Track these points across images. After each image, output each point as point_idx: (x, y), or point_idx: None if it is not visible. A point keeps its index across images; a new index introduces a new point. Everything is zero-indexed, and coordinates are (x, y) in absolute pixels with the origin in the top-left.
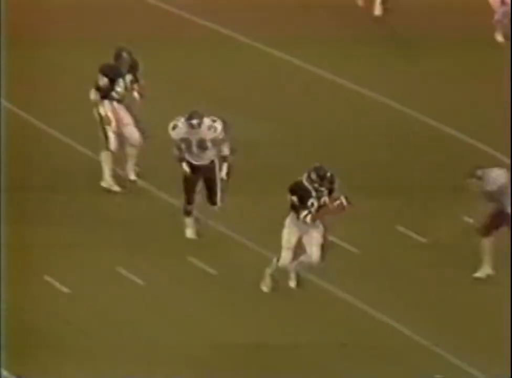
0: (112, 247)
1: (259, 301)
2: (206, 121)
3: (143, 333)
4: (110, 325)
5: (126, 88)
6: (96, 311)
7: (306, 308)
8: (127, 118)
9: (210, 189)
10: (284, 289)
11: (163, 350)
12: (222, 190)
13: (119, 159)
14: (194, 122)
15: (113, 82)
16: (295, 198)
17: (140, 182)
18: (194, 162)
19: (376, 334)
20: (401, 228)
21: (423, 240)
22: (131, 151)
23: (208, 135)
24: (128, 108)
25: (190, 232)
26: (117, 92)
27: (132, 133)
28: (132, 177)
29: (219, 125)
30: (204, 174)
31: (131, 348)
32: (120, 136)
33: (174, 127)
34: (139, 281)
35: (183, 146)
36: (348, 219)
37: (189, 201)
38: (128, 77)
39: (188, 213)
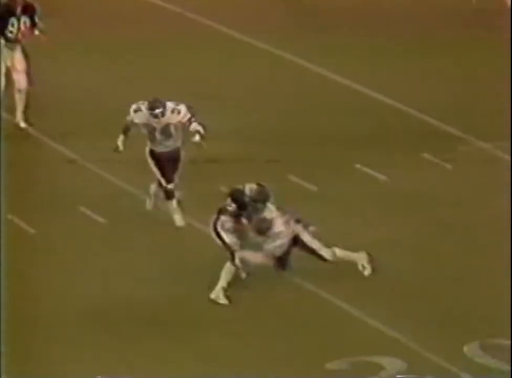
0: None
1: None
2: (169, 105)
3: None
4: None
5: (19, 29)
6: None
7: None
8: (20, 62)
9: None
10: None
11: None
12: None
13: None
14: (157, 111)
15: (4, 21)
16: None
17: (32, 130)
18: (157, 150)
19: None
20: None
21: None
22: (19, 97)
23: (172, 119)
24: (25, 53)
25: (178, 220)
26: (10, 32)
27: (20, 78)
28: (22, 124)
29: (182, 108)
30: (169, 159)
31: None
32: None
33: (136, 110)
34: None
35: (144, 131)
36: None
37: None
38: (24, 18)
39: (169, 194)
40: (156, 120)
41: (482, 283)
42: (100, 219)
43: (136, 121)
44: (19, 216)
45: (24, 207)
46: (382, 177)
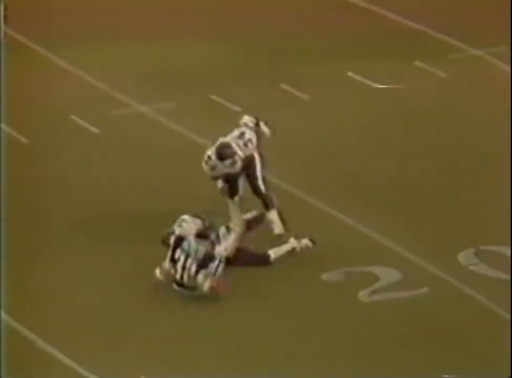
0: None
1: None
2: (240, 154)
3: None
4: None
5: None
6: None
7: None
8: None
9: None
10: None
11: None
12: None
13: None
14: (227, 162)
15: None
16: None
17: (25, 40)
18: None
19: None
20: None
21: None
22: None
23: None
24: None
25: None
26: None
27: None
28: None
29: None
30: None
31: None
32: None
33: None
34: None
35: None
36: None
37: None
38: None
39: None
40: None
41: (479, 189)
42: (93, 129)
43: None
44: (12, 125)
45: (17, 117)
46: (374, 85)
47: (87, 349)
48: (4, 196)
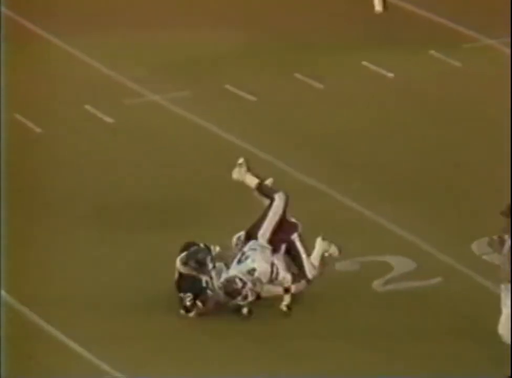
0: None
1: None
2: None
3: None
4: None
5: None
6: None
7: None
8: None
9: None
10: None
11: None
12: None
13: None
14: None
15: None
16: None
17: (37, 29)
18: None
19: None
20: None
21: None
22: None
23: None
24: None
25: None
26: None
27: None
28: None
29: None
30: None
31: None
32: None
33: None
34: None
35: None
36: None
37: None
38: None
39: None
40: None
41: (492, 179)
42: (107, 119)
43: None
44: (25, 115)
45: (31, 106)
46: (389, 74)
47: (93, 336)
48: (17, 185)
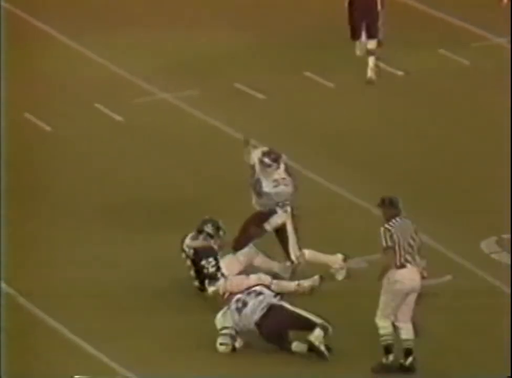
0: None
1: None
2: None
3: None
4: None
5: None
6: None
7: None
8: None
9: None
10: None
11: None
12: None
13: None
14: (269, 162)
15: None
16: None
17: (46, 28)
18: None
19: None
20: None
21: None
22: None
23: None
24: None
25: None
26: None
27: None
28: None
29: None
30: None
31: None
32: None
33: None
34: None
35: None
36: None
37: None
38: None
39: None
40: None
41: (502, 177)
42: (117, 117)
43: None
44: (35, 114)
45: (41, 105)
46: (398, 72)
47: (96, 331)
48: (27, 184)
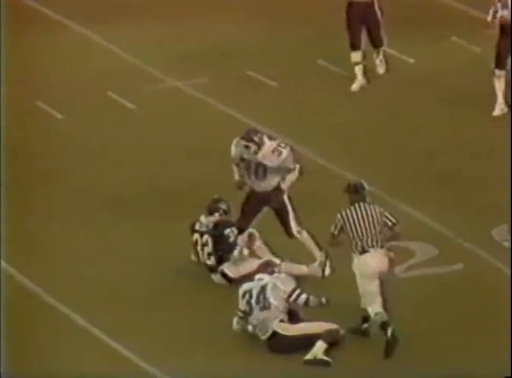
0: None
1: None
2: (268, 144)
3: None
4: None
5: None
6: None
7: None
8: None
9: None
10: None
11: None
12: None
13: None
14: (250, 144)
15: None
16: None
17: (58, 16)
18: (255, 188)
19: None
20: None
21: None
22: None
23: (270, 161)
24: None
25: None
26: None
27: None
28: None
29: (284, 150)
30: (268, 202)
31: None
32: None
33: (236, 143)
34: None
35: (242, 165)
36: None
37: (241, 224)
38: None
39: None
40: (250, 153)
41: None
42: (129, 105)
43: (232, 155)
44: (47, 102)
45: (53, 93)
46: (410, 59)
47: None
48: (39, 171)
